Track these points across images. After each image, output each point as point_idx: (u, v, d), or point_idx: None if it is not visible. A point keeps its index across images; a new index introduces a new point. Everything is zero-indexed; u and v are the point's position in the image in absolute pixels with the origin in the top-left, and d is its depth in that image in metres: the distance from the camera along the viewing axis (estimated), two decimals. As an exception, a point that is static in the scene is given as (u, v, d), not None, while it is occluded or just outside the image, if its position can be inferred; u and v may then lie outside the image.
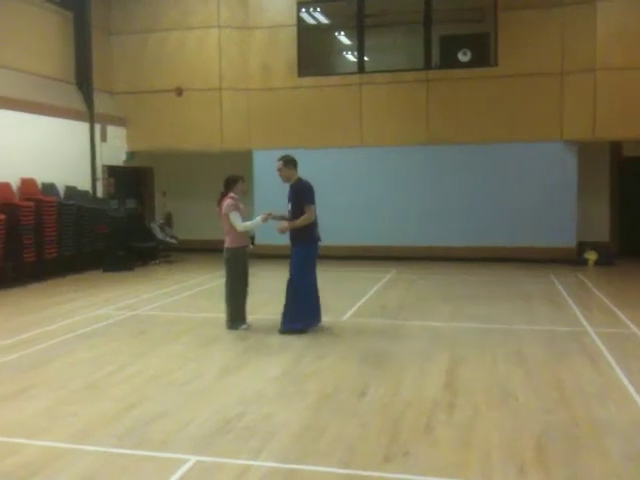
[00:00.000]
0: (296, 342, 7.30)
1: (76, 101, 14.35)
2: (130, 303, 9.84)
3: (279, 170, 7.87)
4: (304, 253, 7.73)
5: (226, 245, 8.00)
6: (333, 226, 14.84)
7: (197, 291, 11.08)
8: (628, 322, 8.15)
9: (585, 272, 12.85)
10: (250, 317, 8.21)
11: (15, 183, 12.16)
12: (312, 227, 7.76)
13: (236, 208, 7.89)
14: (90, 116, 14.57)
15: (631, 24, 13.07)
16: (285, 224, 7.74)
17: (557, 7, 13.79)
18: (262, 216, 7.87)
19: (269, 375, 6.08)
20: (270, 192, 15.53)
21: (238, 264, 7.99)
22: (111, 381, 5.96)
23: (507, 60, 14.14)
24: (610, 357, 6.54)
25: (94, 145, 14.65)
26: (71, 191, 13.58)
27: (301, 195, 7.70)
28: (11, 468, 4.15)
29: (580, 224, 14.21)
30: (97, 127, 14.78)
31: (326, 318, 8.13)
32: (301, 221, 7.59)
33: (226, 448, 4.42)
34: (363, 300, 9.96)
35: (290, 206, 7.81)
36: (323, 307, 9.61)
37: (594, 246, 14.09)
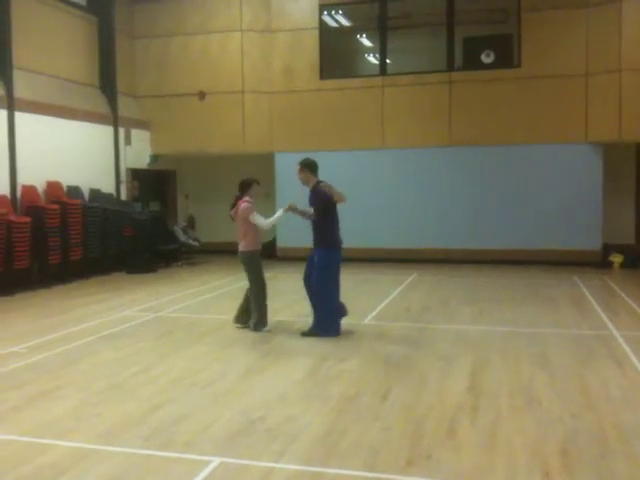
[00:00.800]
0: (319, 345, 7.30)
1: (100, 104, 14.52)
2: (154, 305, 9.93)
3: (298, 174, 7.89)
4: (327, 257, 7.75)
5: (241, 249, 8.07)
6: (355, 228, 14.84)
7: (220, 293, 11.14)
8: (655, 326, 8.05)
9: (611, 275, 12.70)
10: (272, 319, 8.23)
11: (41, 186, 12.34)
12: (334, 231, 7.78)
13: (253, 209, 7.97)
14: (114, 119, 14.74)
15: (657, 24, 12.90)
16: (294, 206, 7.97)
17: (581, 8, 13.66)
18: (284, 208, 7.96)
19: (292, 378, 6.09)
20: (292, 194, 15.60)
21: (256, 266, 8.05)
22: (136, 382, 6.02)
23: (531, 61, 14.03)
24: (637, 361, 6.45)
25: (118, 148, 14.81)
26: (95, 194, 13.73)
27: (315, 199, 7.73)
28: (39, 468, 4.21)
29: (605, 226, 14.03)
30: (121, 130, 14.95)
31: (349, 321, 8.13)
32: (305, 215, 7.93)
33: (249, 450, 4.44)
34: (385, 302, 9.94)
35: (312, 209, 7.85)
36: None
37: (619, 248, 13.91)
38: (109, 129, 14.62)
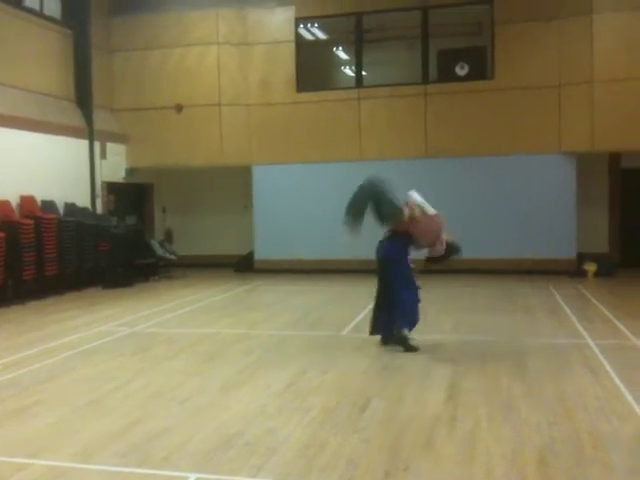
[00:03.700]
0: (298, 357, 7.30)
1: (76, 118, 14.43)
2: (131, 319, 9.84)
3: None
4: None
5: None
6: (332, 240, 14.90)
7: (197, 307, 11.08)
8: (628, 333, 8.16)
9: (585, 283, 12.86)
10: (251, 332, 8.20)
11: (15, 200, 12.20)
12: None
13: None
14: (90, 133, 14.64)
15: (628, 36, 13.19)
16: None
17: (554, 20, 13.91)
18: None
19: (271, 390, 6.07)
20: (270, 207, 15.69)
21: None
22: (114, 398, 5.96)
23: (504, 73, 14.24)
24: (611, 369, 6.53)
25: (93, 162, 14.71)
26: (70, 208, 13.61)
27: None
28: (13, 487, 4.15)
29: (580, 235, 14.23)
30: (97, 144, 14.85)
31: (327, 332, 8.14)
32: None
33: (227, 465, 4.41)
34: (364, 313, 9.95)
35: None
36: (324, 322, 9.63)
37: (594, 257, 14.10)
38: (84, 143, 14.51)
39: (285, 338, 8.39)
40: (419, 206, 7.50)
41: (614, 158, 14.93)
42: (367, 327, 8.01)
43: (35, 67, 13.38)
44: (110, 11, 15.91)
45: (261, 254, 15.70)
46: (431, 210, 7.55)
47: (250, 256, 15.91)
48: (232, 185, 16.69)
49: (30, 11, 13.42)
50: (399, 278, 7.48)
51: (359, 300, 11.17)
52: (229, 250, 16.51)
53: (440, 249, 7.47)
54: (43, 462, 4.52)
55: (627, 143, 13.31)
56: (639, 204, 15.01)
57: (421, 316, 7.65)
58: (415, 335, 7.60)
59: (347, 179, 15.34)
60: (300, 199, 15.11)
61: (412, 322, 7.50)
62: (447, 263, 7.80)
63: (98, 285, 13.31)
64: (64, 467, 4.45)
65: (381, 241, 7.71)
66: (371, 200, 7.49)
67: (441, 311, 10.04)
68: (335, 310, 10.52)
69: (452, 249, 7.61)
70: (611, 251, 15.01)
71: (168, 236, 16.72)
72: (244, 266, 15.85)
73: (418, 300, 7.55)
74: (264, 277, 14.82)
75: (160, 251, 15.26)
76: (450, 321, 9.29)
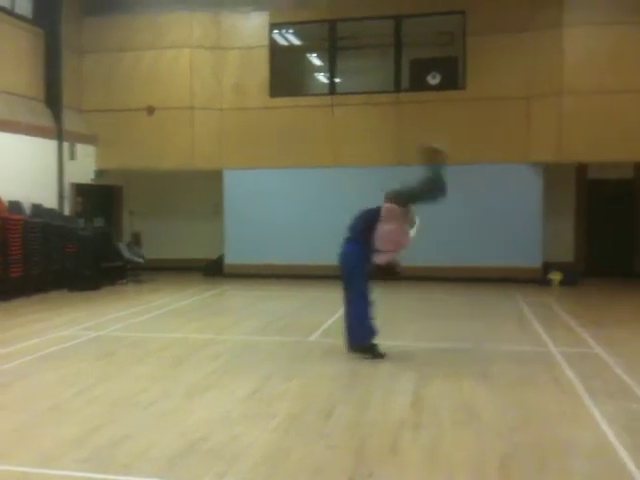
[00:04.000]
0: (264, 363, 7.28)
1: (45, 118, 14.23)
2: (97, 323, 9.72)
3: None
4: None
5: None
6: (304, 245, 14.93)
7: (165, 311, 10.99)
8: (591, 341, 8.30)
9: (550, 292, 13.06)
10: (219, 337, 8.15)
11: (-19, 201, 12.01)
12: None
13: None
14: (59, 133, 14.45)
15: (596, 50, 13.47)
16: None
17: (525, 32, 14.13)
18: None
19: (236, 396, 6.04)
20: (241, 211, 15.65)
21: None
22: (76, 403, 5.88)
23: (475, 83, 14.42)
24: (573, 377, 6.64)
25: (62, 163, 14.52)
26: (37, 209, 13.41)
27: None
28: (-31, 493, 4.07)
29: (546, 245, 14.45)
30: (65, 145, 14.67)
31: (294, 338, 8.13)
32: None
33: (190, 471, 4.38)
34: (332, 319, 9.97)
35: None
36: (292, 327, 9.63)
37: (559, 266, 14.32)
38: (53, 143, 14.33)
39: (252, 343, 8.36)
40: (412, 217, 7.61)
41: (581, 169, 15.21)
42: (335, 333, 8.02)
43: (4, 66, 13.18)
44: (82, 11, 15.75)
45: (231, 259, 15.64)
46: (412, 230, 7.74)
47: (220, 260, 15.84)
48: (203, 189, 16.61)
49: (1, 9, 13.22)
50: (356, 291, 7.51)
51: (329, 306, 11.17)
52: (199, 254, 16.42)
53: (383, 260, 7.49)
54: (2, 467, 4.44)
55: (594, 155, 13.58)
56: (605, 215, 15.32)
57: (378, 328, 7.64)
58: (382, 342, 7.63)
59: (319, 185, 15.57)
60: (271, 204, 15.10)
61: (368, 336, 7.50)
62: (380, 277, 7.81)
63: (64, 288, 13.12)
64: (24, 472, 4.37)
65: (343, 247, 7.69)
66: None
67: (408, 318, 10.11)
68: (304, 316, 10.52)
69: (392, 271, 7.63)
70: (576, 261, 15.27)
71: (136, 239, 16.55)
72: (213, 270, 15.77)
73: (371, 317, 7.54)
74: (234, 282, 14.76)
75: (128, 254, 15.10)
76: (416, 328, 9.35)
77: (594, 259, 15.23)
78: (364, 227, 7.54)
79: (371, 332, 7.49)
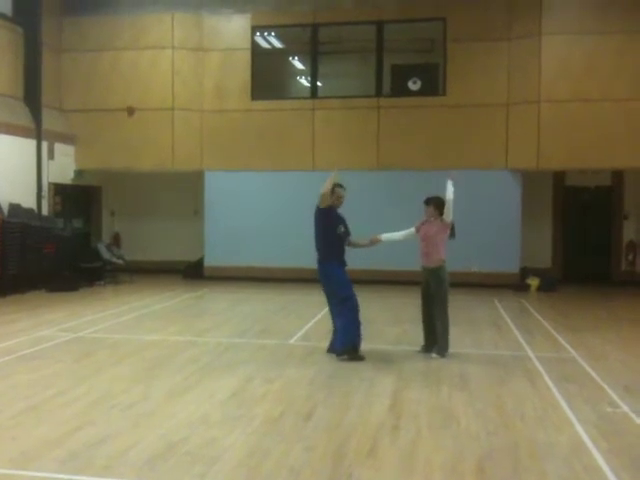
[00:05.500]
0: (244, 366, 7.28)
1: (23, 117, 14.10)
2: (74, 324, 9.65)
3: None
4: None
5: (432, 265, 8.34)
6: (282, 249, 14.94)
7: (144, 313, 10.93)
8: (567, 346, 8.42)
9: (527, 297, 13.21)
10: (199, 340, 8.13)
11: (-43, 199, 11.86)
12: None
13: None
14: (37, 133, 14.31)
15: (574, 58, 13.68)
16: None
17: (504, 40, 14.31)
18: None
19: (216, 399, 6.04)
20: (221, 213, 15.61)
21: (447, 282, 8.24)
22: (54, 404, 5.83)
23: (455, 90, 14.56)
24: (550, 381, 6.74)
25: (41, 162, 14.38)
26: (15, 209, 13.26)
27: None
28: (-55, 495, 4.03)
29: (524, 250, 14.61)
30: (44, 144, 14.54)
31: (275, 341, 8.14)
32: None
33: (169, 473, 4.38)
34: (312, 323, 10.01)
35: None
36: (272, 330, 9.64)
37: (536, 272, 14.48)
38: (32, 142, 14.18)
39: (232, 346, 8.36)
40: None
41: (559, 176, 15.42)
42: (315, 336, 8.04)
43: (-18, 63, 13.05)
44: (62, 10, 15.63)
45: (211, 261, 15.59)
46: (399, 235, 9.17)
47: (200, 262, 15.78)
48: (183, 190, 16.56)
49: (-21, 6, 13.11)
50: (339, 299, 7.60)
51: (309, 309, 11.22)
52: (178, 256, 16.36)
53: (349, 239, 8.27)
54: (-22, 469, 4.41)
55: (571, 162, 13.79)
56: (582, 221, 15.55)
57: (362, 333, 7.69)
58: (362, 345, 7.67)
59: (299, 188, 15.56)
60: (252, 206, 15.07)
61: (352, 340, 7.55)
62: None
63: (42, 288, 13.00)
64: (2, 473, 4.33)
65: (318, 267, 7.88)
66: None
67: (387, 322, 10.17)
68: (284, 318, 10.53)
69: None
70: (553, 266, 15.47)
71: (115, 240, 16.44)
72: (193, 272, 15.71)
73: (358, 322, 7.61)
74: (213, 284, 14.72)
75: (107, 255, 14.99)
76: (396, 332, 9.43)
77: (571, 265, 15.44)
78: (323, 242, 7.99)
79: (355, 337, 7.53)
